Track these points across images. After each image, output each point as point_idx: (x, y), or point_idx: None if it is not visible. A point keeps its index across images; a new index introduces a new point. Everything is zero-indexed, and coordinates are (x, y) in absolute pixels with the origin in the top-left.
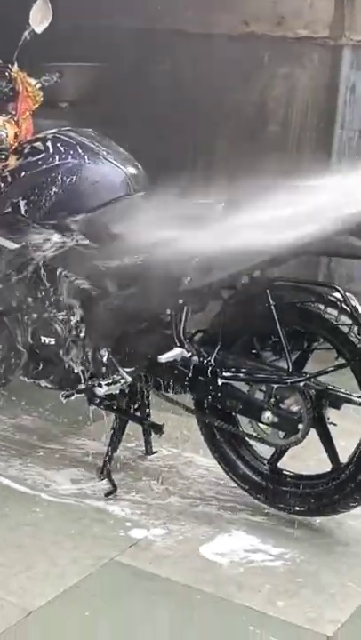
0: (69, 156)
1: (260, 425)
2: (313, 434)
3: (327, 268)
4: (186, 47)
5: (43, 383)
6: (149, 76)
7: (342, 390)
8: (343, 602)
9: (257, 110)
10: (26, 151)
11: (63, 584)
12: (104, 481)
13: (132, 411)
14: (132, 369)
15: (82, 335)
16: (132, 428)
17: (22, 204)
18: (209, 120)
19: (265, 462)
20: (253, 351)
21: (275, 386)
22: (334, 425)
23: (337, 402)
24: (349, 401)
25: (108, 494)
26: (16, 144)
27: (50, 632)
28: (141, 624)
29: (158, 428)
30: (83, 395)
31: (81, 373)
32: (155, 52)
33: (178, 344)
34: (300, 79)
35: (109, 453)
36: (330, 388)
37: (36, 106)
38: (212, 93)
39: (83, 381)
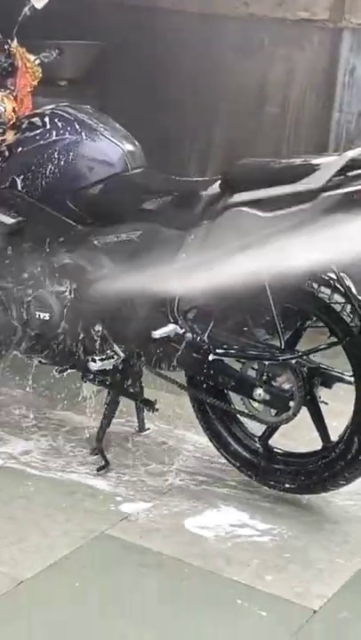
0: (67, 132)
1: (252, 402)
2: (305, 413)
3: None
4: (186, 27)
5: (37, 358)
6: (148, 55)
7: (334, 369)
8: (330, 577)
9: (256, 92)
10: (23, 126)
11: (54, 555)
12: (96, 456)
13: (125, 387)
14: (126, 345)
15: (76, 311)
16: (126, 404)
17: (19, 179)
18: (207, 100)
19: (256, 440)
20: (246, 329)
21: (267, 363)
22: (326, 404)
23: (329, 380)
24: (341, 380)
25: (100, 469)
26: (14, 119)
27: (39, 601)
28: (130, 595)
29: (151, 405)
30: (76, 370)
31: (74, 349)
32: (154, 31)
33: (172, 320)
34: (300, 61)
35: (102, 429)
36: (322, 366)
37: (36, 82)
38: (210, 74)
39: (76, 357)
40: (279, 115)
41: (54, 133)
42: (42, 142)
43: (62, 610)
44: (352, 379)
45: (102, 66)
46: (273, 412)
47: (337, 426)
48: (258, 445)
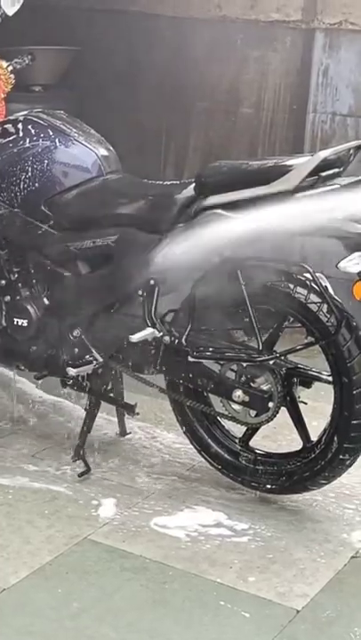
0: (40, 139)
1: (232, 404)
2: (285, 414)
3: (301, 250)
4: (159, 30)
5: (15, 364)
6: (122, 59)
7: (312, 368)
8: (313, 577)
9: (230, 93)
10: None
11: (37, 562)
12: (78, 461)
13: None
14: (104, 349)
15: (54, 316)
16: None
17: None
18: (182, 103)
19: (237, 441)
20: (224, 330)
21: (245, 364)
22: (305, 404)
23: (307, 380)
24: (319, 379)
25: (81, 474)
26: None
27: (23, 608)
28: (113, 600)
29: (131, 409)
30: (55, 376)
31: (52, 354)
32: (128, 34)
33: (149, 324)
34: (273, 62)
35: (83, 434)
36: (300, 366)
37: (8, 88)
38: (184, 76)
39: (54, 362)
40: (254, 116)
41: (27, 140)
42: (15, 149)
43: (46, 616)
44: (330, 378)
45: (77, 71)
46: (252, 413)
47: (317, 425)
48: (238, 447)
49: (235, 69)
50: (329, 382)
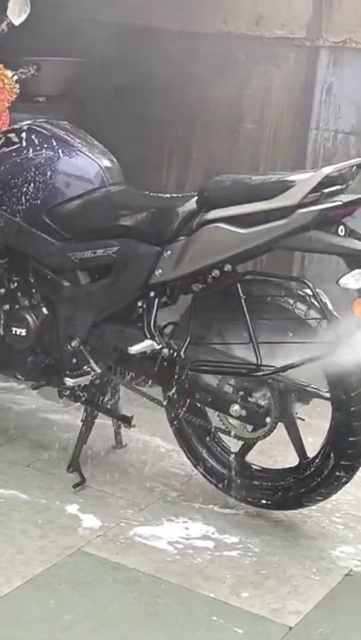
0: (43, 149)
1: (229, 418)
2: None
3: (300, 266)
4: (163, 44)
5: (12, 373)
6: (127, 72)
7: (310, 385)
8: (306, 594)
9: (233, 109)
10: (0, 142)
11: (29, 572)
12: (73, 473)
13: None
14: (102, 360)
15: (53, 326)
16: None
17: None
18: (185, 117)
19: (233, 455)
20: (223, 344)
21: (243, 379)
22: (302, 420)
23: (305, 396)
24: (317, 395)
25: (76, 485)
26: None
27: (14, 618)
28: (105, 612)
29: (128, 421)
30: (52, 386)
31: (50, 364)
32: (133, 48)
33: (148, 336)
34: (277, 79)
35: (78, 445)
36: (298, 382)
37: (13, 98)
38: (188, 90)
39: (52, 372)
40: (257, 132)
41: (31, 150)
42: (18, 159)
43: (37, 627)
44: (328, 394)
45: (82, 82)
46: (249, 427)
47: (313, 442)
48: (234, 461)
49: (238, 85)
50: (327, 399)
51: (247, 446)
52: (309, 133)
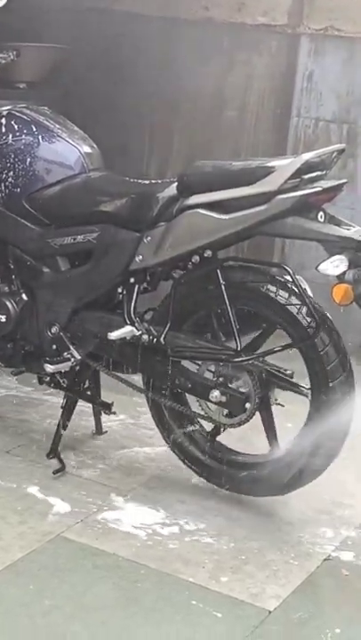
0: (23, 134)
1: (208, 404)
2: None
3: (281, 253)
4: (145, 30)
5: None
6: (108, 58)
7: (287, 372)
8: (285, 578)
9: (214, 96)
10: None
11: (9, 558)
12: (53, 459)
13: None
14: (82, 347)
15: (33, 313)
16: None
17: None
18: (166, 103)
19: (212, 441)
20: (203, 331)
21: (222, 365)
22: (282, 406)
23: (284, 383)
24: (297, 385)
25: (56, 472)
26: None
27: None
28: (85, 598)
29: (108, 407)
30: (32, 372)
31: (31, 350)
32: (113, 34)
33: (128, 322)
34: (258, 66)
35: (58, 431)
36: (277, 368)
37: None
38: (170, 77)
39: (32, 359)
40: (237, 119)
41: (10, 135)
42: None
43: (17, 612)
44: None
45: (63, 69)
46: (227, 413)
47: (292, 427)
48: (215, 448)
49: (220, 72)
50: (306, 389)
51: (223, 429)
52: (291, 121)
